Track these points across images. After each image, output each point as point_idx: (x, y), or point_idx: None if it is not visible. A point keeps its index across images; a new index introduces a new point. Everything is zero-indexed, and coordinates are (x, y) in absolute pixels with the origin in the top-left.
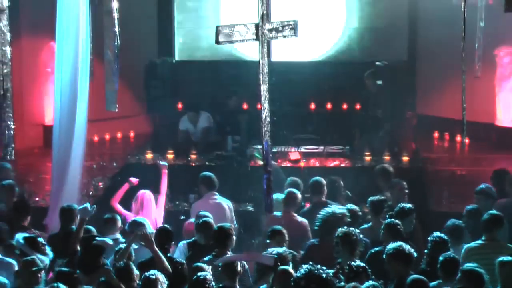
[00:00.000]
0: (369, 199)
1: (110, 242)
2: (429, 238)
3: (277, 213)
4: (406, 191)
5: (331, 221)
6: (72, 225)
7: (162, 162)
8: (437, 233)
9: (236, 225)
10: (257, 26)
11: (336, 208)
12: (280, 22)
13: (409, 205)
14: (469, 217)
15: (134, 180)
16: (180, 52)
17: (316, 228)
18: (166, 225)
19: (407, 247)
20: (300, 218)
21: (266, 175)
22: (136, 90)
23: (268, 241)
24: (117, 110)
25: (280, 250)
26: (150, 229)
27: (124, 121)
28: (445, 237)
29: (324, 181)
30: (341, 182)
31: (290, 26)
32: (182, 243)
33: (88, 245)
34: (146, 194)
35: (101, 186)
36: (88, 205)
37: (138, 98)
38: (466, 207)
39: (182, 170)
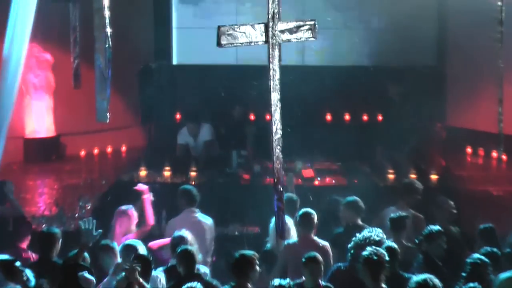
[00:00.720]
0: (390, 217)
1: (91, 278)
2: (467, 260)
3: (291, 240)
4: (455, 211)
5: (365, 245)
6: (52, 252)
7: (140, 185)
8: (477, 255)
9: (213, 248)
10: (266, 26)
11: (375, 234)
12: (294, 22)
13: (437, 227)
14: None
15: (142, 187)
16: (179, 55)
17: (348, 253)
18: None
19: (433, 282)
20: (321, 242)
21: (277, 195)
22: (129, 99)
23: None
24: (108, 121)
25: (283, 282)
26: (143, 250)
27: (115, 133)
28: (487, 260)
29: (361, 201)
30: (361, 204)
31: (307, 27)
32: (158, 273)
33: (71, 274)
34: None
35: (89, 207)
36: (92, 224)
37: (132, 107)
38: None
39: None
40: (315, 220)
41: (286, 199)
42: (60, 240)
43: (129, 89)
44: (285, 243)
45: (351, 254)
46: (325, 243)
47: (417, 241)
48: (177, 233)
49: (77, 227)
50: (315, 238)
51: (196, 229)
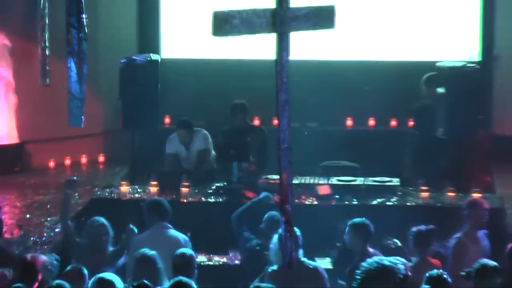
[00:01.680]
0: (413, 229)
1: None
2: None
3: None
4: (486, 214)
5: (376, 276)
6: None
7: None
8: None
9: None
10: (273, 13)
11: (388, 260)
12: (307, 8)
13: (493, 263)
14: None
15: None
16: (168, 48)
17: (354, 285)
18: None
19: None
20: (311, 264)
21: (284, 217)
22: (109, 99)
23: None
24: (83, 125)
25: None
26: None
27: (91, 140)
28: None
29: (370, 224)
30: (371, 227)
31: (324, 14)
32: None
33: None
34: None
35: (58, 230)
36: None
37: (111, 109)
38: None
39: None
40: (300, 238)
41: (268, 218)
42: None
43: (108, 87)
44: (269, 270)
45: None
46: (317, 265)
47: (463, 274)
48: (140, 252)
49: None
50: (304, 259)
51: (169, 244)
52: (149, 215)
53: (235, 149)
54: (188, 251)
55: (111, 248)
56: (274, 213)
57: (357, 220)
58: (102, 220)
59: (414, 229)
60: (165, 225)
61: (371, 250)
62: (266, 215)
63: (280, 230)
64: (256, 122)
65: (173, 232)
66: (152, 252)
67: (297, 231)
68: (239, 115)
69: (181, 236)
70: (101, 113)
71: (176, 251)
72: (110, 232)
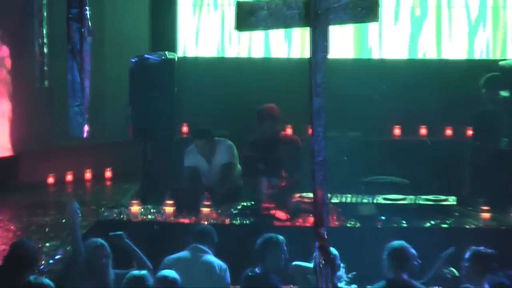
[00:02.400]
0: (470, 251)
1: None
2: None
3: None
4: None
5: None
6: None
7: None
8: None
9: None
10: (307, 4)
11: None
12: None
13: None
14: None
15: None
16: (186, 45)
17: None
18: None
19: None
20: None
21: (318, 242)
22: (117, 105)
23: None
24: (85, 135)
25: None
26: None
27: (96, 153)
28: None
29: (408, 249)
30: (411, 252)
31: (366, 5)
32: None
33: None
34: None
35: (59, 256)
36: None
37: (120, 117)
38: None
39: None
40: (337, 261)
41: (264, 241)
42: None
43: (117, 92)
44: None
45: None
46: None
47: None
48: (161, 273)
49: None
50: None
51: (202, 270)
52: (187, 238)
53: (264, 162)
54: (172, 274)
55: (113, 272)
56: (272, 234)
57: (393, 243)
58: (100, 240)
59: (471, 250)
60: (201, 249)
61: (406, 278)
62: (262, 237)
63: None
64: (289, 131)
65: (210, 257)
66: (143, 272)
67: (334, 251)
68: (269, 123)
69: (217, 263)
70: (108, 121)
71: (209, 276)
72: (110, 253)
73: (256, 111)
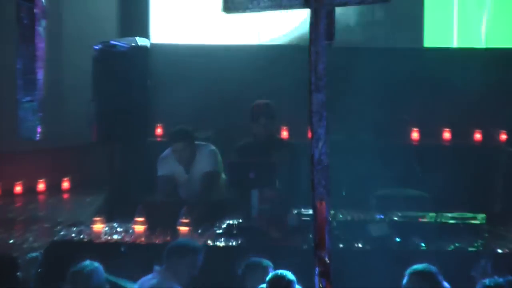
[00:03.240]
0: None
1: None
2: None
3: None
4: None
5: None
6: None
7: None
8: None
9: None
10: None
11: None
12: None
13: None
14: None
15: None
16: (161, 30)
17: None
18: None
19: None
20: None
21: (318, 267)
22: (77, 102)
23: None
24: (38, 137)
25: None
26: None
27: (52, 159)
28: None
29: (436, 274)
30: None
31: None
32: None
33: None
34: None
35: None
36: None
37: (80, 116)
38: None
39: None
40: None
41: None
42: None
43: (77, 84)
44: None
45: None
46: None
47: None
48: None
49: None
50: None
51: None
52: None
53: (255, 171)
54: None
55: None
56: (258, 259)
57: (417, 266)
58: (89, 265)
59: (505, 278)
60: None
61: None
62: (246, 262)
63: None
64: (284, 133)
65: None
66: None
67: (290, 276)
68: (263, 123)
69: None
70: (66, 120)
71: None
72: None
73: (249, 109)
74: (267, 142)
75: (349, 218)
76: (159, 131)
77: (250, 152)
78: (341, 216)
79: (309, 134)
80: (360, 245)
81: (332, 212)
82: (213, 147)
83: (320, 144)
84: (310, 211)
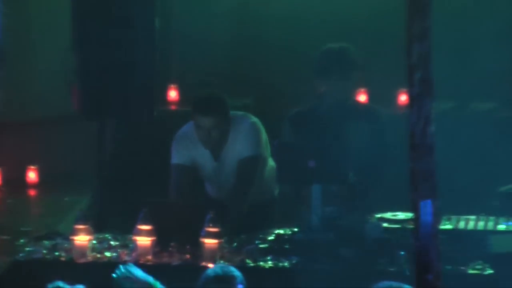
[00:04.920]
0: None
1: None
2: None
3: None
4: None
5: None
6: None
7: None
8: None
9: None
10: None
11: None
12: None
13: None
14: None
15: None
16: None
17: None
18: None
19: None
20: None
21: None
22: (49, 55)
23: None
24: None
25: None
26: None
27: (12, 138)
28: None
29: None
30: None
31: None
32: None
33: None
34: None
35: None
36: None
37: (55, 76)
38: None
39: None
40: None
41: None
42: None
43: (49, 30)
44: None
45: None
46: None
47: None
48: None
49: None
50: None
51: None
52: None
53: (318, 155)
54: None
55: None
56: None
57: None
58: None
59: None
60: None
61: None
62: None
63: None
64: (363, 97)
65: None
66: None
67: (235, 272)
68: (338, 79)
69: None
70: (32, 81)
71: None
72: None
73: (314, 58)
74: (340, 109)
75: (463, 226)
76: (172, 95)
77: (310, 126)
78: (448, 223)
79: (403, 101)
80: (479, 266)
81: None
82: (254, 119)
83: (423, 117)
84: (401, 216)
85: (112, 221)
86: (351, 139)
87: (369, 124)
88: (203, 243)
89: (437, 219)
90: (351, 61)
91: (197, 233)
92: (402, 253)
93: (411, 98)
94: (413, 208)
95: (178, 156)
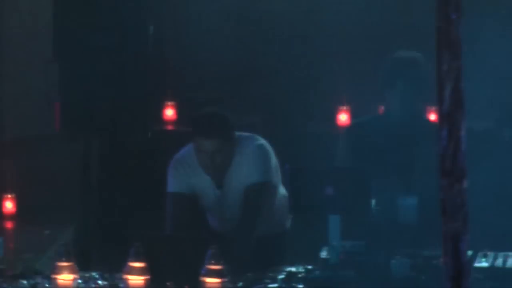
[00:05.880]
0: None
1: None
2: None
3: None
4: None
5: None
6: None
7: None
8: None
9: None
10: None
11: None
12: None
13: None
14: None
15: None
16: None
17: None
18: None
19: None
20: None
21: None
22: (30, 68)
23: None
24: None
25: None
26: None
27: None
28: None
29: None
30: None
31: None
32: None
33: None
34: None
35: None
36: None
37: (34, 88)
38: None
39: None
40: None
41: None
42: None
43: (25, 35)
44: None
45: None
46: None
47: None
48: None
49: None
50: None
51: None
52: None
53: (340, 180)
54: None
55: None
56: None
57: None
58: None
59: None
60: None
61: None
62: None
63: None
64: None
65: None
66: None
67: None
68: (402, 90)
69: None
70: (11, 103)
71: None
72: None
73: (384, 64)
74: (402, 126)
75: (501, 263)
76: (169, 113)
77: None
78: (485, 260)
79: (435, 120)
80: None
81: (469, 253)
82: (262, 141)
83: (455, 139)
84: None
85: (99, 257)
86: (404, 161)
87: (428, 146)
88: (204, 282)
89: (468, 256)
90: (421, 72)
91: (197, 271)
92: None
93: (441, 118)
94: (443, 244)
95: (175, 183)
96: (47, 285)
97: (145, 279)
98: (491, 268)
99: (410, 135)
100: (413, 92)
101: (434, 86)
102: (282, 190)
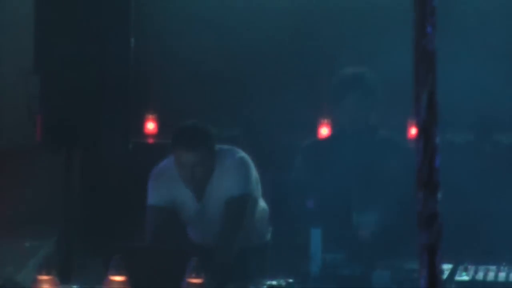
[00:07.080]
0: None
1: None
2: None
3: None
4: None
5: None
6: None
7: None
8: None
9: None
10: None
11: None
12: None
13: None
14: None
15: None
16: None
17: None
18: None
19: None
20: None
21: None
22: (11, 78)
23: None
24: None
25: None
26: None
27: None
28: None
29: None
30: None
31: None
32: None
33: None
34: None
35: None
36: None
37: (14, 100)
38: None
39: None
40: None
41: None
42: None
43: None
44: None
45: None
46: None
47: None
48: None
49: None
50: None
51: None
52: None
53: (316, 194)
54: None
55: None
56: None
57: None
58: None
59: None
60: None
61: None
62: None
63: None
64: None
65: None
66: None
67: None
68: (356, 105)
69: None
70: None
71: None
72: None
73: (331, 83)
74: (353, 141)
75: (482, 277)
76: (150, 126)
77: (321, 159)
78: (465, 274)
79: (411, 133)
80: None
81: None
82: (242, 154)
83: (431, 151)
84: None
85: (80, 270)
86: (362, 176)
87: (385, 159)
88: None
89: (441, 269)
90: (367, 87)
91: (177, 283)
92: None
93: (419, 128)
94: (419, 255)
95: (155, 196)
96: None
97: None
98: (472, 281)
99: (362, 149)
100: (361, 106)
101: (381, 100)
102: (262, 203)
